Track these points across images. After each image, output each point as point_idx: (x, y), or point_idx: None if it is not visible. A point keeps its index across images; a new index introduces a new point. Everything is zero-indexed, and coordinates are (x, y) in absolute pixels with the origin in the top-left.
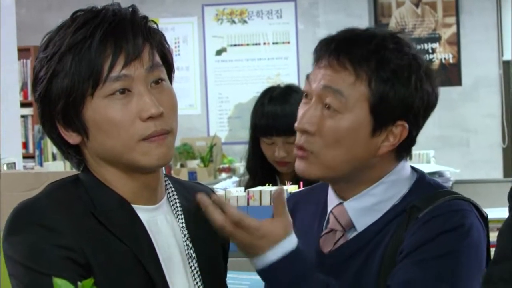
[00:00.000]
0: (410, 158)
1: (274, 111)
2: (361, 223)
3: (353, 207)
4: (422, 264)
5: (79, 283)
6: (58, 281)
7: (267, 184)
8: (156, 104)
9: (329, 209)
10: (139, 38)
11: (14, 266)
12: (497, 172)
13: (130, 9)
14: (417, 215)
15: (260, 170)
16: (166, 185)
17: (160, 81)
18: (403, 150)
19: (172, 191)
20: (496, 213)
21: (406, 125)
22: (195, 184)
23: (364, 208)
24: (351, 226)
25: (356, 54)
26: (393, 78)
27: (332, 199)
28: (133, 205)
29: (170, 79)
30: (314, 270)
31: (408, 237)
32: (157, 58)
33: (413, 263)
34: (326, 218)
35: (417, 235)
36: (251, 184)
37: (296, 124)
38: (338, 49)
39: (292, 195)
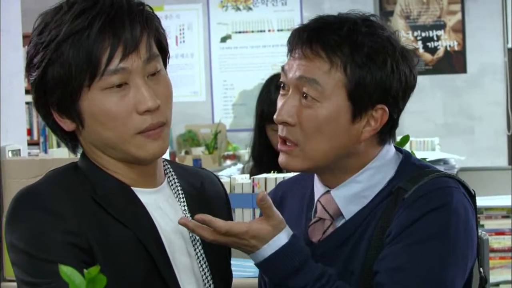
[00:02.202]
0: (394, 141)
1: None
2: (349, 211)
3: (340, 195)
4: (411, 249)
5: (85, 270)
6: (64, 269)
7: (272, 171)
8: (153, 97)
9: (316, 198)
10: (136, 29)
11: (16, 253)
12: (502, 160)
13: None
14: (403, 196)
15: (265, 157)
16: (165, 170)
17: (156, 72)
18: (386, 133)
19: (172, 175)
20: (501, 200)
21: (386, 108)
22: (199, 169)
23: (351, 195)
24: (339, 214)
25: (328, 41)
26: (368, 62)
27: (319, 188)
28: (133, 188)
29: (165, 64)
30: (308, 262)
31: (395, 219)
32: (154, 48)
33: (402, 247)
34: (314, 207)
35: (403, 216)
36: (256, 171)
37: (275, 116)
38: (310, 38)
39: (279, 185)
